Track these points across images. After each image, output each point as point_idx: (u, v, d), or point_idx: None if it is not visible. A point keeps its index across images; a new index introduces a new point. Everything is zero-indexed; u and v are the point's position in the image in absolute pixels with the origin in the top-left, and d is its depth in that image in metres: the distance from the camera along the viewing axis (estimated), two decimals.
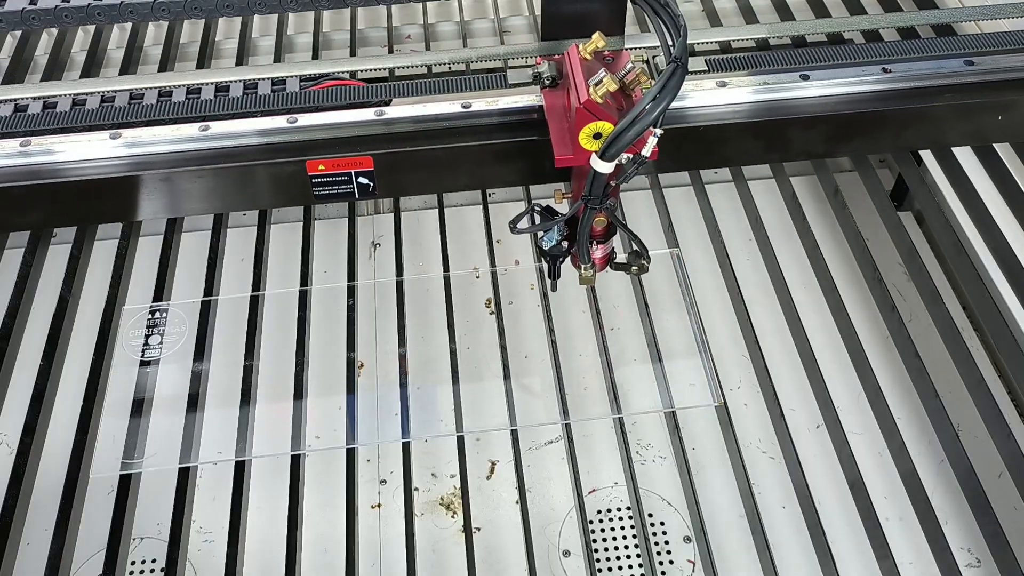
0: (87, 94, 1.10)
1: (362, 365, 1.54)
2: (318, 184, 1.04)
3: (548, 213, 1.01)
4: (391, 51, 1.80)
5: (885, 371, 1.51)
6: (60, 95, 1.10)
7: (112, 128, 1.03)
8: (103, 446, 1.16)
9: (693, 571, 1.35)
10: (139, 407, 1.20)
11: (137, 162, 1.02)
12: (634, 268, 1.09)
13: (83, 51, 1.73)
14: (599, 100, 0.86)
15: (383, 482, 1.45)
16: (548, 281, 1.12)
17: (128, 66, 1.69)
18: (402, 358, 1.36)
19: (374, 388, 1.55)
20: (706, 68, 1.10)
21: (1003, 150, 1.41)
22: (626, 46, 1.12)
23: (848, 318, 1.38)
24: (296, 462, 1.22)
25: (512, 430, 1.27)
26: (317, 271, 1.59)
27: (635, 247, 1.08)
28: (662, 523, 1.40)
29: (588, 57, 0.93)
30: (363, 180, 1.04)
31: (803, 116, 1.06)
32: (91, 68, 1.68)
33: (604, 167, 0.88)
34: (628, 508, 1.41)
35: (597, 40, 0.93)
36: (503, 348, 1.36)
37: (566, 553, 1.37)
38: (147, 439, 1.18)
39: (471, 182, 1.12)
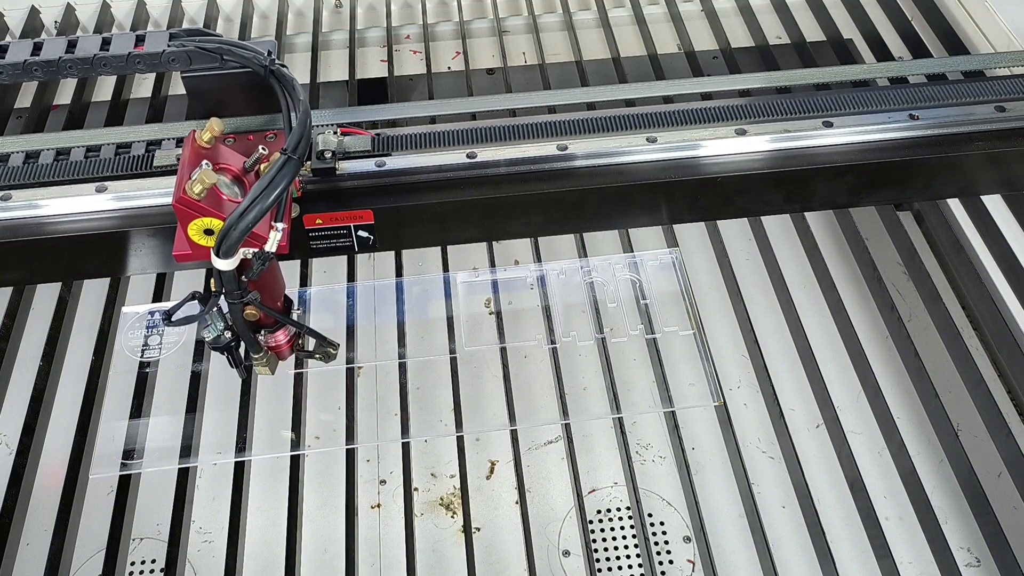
0: (71, 146, 1.04)
1: (361, 367, 1.54)
2: (315, 238, 1.00)
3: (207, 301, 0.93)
4: (391, 54, 1.80)
5: (885, 371, 1.51)
6: (43, 148, 1.04)
7: (98, 181, 0.98)
8: (103, 446, 1.16)
9: (693, 571, 1.35)
10: (138, 408, 1.20)
11: (125, 216, 0.97)
12: (317, 355, 1.03)
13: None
14: (195, 196, 0.80)
15: (383, 482, 1.45)
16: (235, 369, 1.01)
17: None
18: (401, 358, 1.36)
19: (374, 388, 1.55)
20: (719, 118, 1.03)
21: None
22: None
23: (848, 318, 1.38)
24: (296, 462, 1.22)
25: (512, 430, 1.27)
26: (316, 271, 1.59)
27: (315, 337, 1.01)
28: (662, 523, 1.40)
29: (205, 144, 0.86)
30: (363, 234, 1.00)
31: (826, 166, 1.00)
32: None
33: (224, 264, 0.82)
34: (628, 508, 1.41)
35: (212, 126, 0.86)
36: (503, 348, 1.36)
37: (566, 553, 1.37)
38: (146, 440, 1.18)
39: (476, 234, 1.06)
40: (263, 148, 0.88)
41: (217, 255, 0.82)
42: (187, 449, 1.18)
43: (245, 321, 0.93)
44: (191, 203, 0.80)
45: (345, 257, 1.47)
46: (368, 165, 0.99)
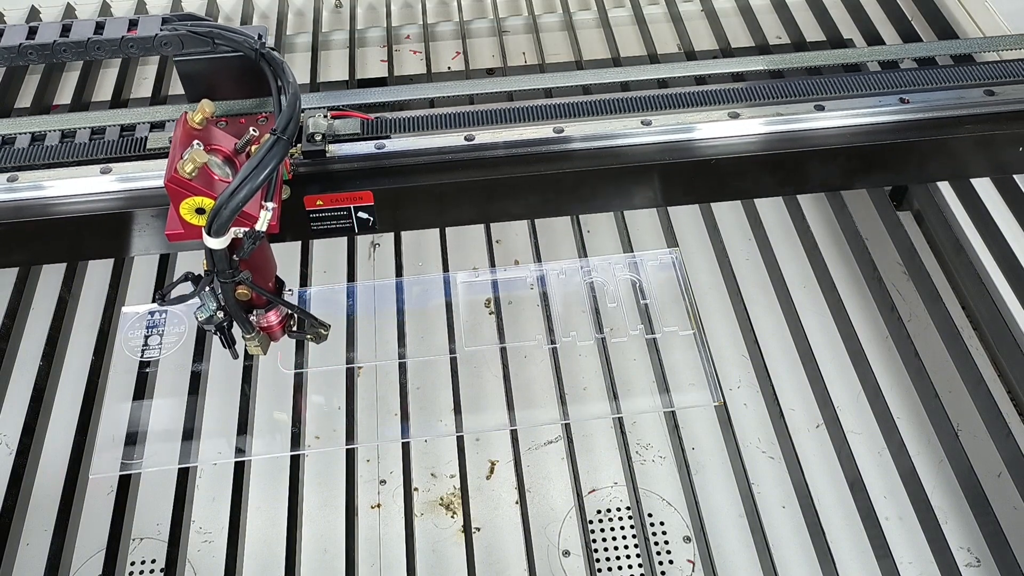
0: (76, 128, 1.05)
1: (361, 367, 1.54)
2: (316, 219, 1.01)
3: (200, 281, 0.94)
4: (391, 54, 1.80)
5: (885, 371, 1.51)
6: (49, 129, 1.05)
7: (103, 163, 1.00)
8: (103, 446, 1.16)
9: (693, 571, 1.35)
10: (138, 407, 1.20)
11: (129, 197, 0.99)
12: (309, 336, 1.04)
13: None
14: (187, 175, 0.81)
15: (383, 482, 1.45)
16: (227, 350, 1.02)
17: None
18: (401, 358, 1.36)
19: (374, 388, 1.54)
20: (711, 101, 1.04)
21: None
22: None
23: (848, 318, 1.38)
24: (296, 462, 1.22)
25: (512, 430, 1.27)
26: (316, 271, 1.59)
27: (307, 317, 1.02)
28: (662, 523, 1.40)
29: (197, 126, 0.87)
30: (363, 215, 1.02)
31: (819, 148, 1.02)
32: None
33: (215, 243, 0.83)
34: (628, 508, 1.41)
35: (203, 107, 0.87)
36: (503, 348, 1.35)
37: (566, 553, 1.37)
38: (146, 439, 1.18)
39: (474, 215, 1.08)
40: (254, 130, 0.88)
41: (208, 234, 0.83)
42: (187, 449, 1.18)
43: (237, 301, 0.94)
44: (183, 182, 0.81)
45: (345, 256, 1.47)
46: (368, 147, 1.00)
